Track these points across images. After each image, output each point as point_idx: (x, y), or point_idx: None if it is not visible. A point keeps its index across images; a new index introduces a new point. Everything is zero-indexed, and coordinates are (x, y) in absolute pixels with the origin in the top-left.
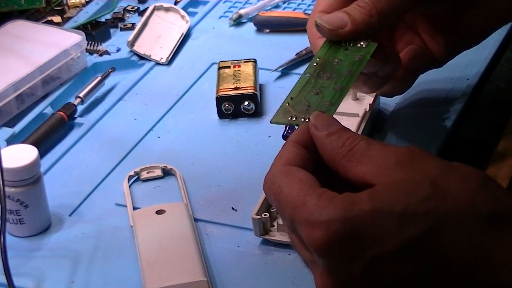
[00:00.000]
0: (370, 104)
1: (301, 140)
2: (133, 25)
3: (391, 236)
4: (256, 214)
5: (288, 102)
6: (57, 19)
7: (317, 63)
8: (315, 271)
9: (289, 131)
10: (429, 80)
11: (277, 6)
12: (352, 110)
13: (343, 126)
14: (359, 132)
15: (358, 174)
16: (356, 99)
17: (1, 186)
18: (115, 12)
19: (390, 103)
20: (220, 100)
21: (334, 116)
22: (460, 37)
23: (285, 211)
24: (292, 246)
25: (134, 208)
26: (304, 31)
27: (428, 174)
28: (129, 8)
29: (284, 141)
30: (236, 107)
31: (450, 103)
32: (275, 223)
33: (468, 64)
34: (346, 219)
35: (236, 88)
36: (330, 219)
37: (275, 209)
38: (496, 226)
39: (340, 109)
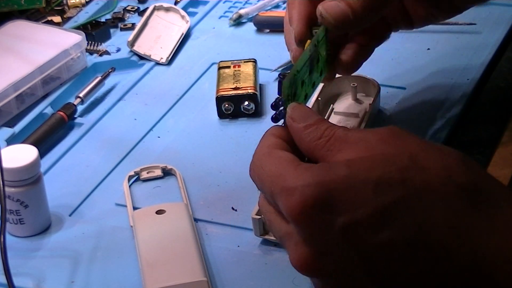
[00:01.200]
0: (370, 104)
1: (279, 134)
2: (133, 25)
3: (366, 202)
4: (256, 214)
5: (295, 74)
6: (57, 19)
7: (316, 45)
8: (290, 244)
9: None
10: (429, 80)
11: (277, 6)
12: (352, 110)
13: (321, 117)
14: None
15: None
16: (356, 99)
17: (1, 186)
18: (115, 12)
19: (390, 103)
20: (220, 100)
21: (334, 116)
22: (439, 10)
23: (265, 185)
24: (268, 225)
25: (134, 208)
26: None
27: (407, 149)
28: (129, 8)
29: (273, 123)
30: (236, 107)
31: (450, 103)
32: None
33: (468, 64)
34: (321, 183)
35: (236, 88)
36: (305, 184)
37: None
38: (473, 197)
39: (340, 109)
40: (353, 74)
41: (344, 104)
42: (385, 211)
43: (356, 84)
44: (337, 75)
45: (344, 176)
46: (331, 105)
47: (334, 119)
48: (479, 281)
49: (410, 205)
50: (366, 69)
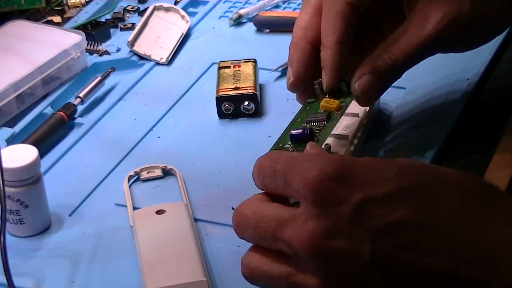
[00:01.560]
0: None
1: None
2: (133, 25)
3: (386, 182)
4: None
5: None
6: (57, 19)
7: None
8: (296, 224)
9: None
10: (429, 80)
11: (277, 6)
12: (352, 110)
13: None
14: (359, 133)
15: None
16: None
17: (1, 186)
18: (115, 12)
19: (390, 103)
20: (220, 100)
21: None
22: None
23: (279, 167)
24: (258, 213)
25: (134, 208)
26: None
27: (424, 163)
28: (129, 8)
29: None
30: (236, 107)
31: (450, 103)
32: None
33: (468, 64)
34: (343, 160)
35: (236, 88)
36: (327, 160)
37: None
38: (489, 196)
39: None
40: None
41: None
42: (403, 192)
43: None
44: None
45: (367, 159)
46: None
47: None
48: (487, 272)
49: (429, 191)
50: None
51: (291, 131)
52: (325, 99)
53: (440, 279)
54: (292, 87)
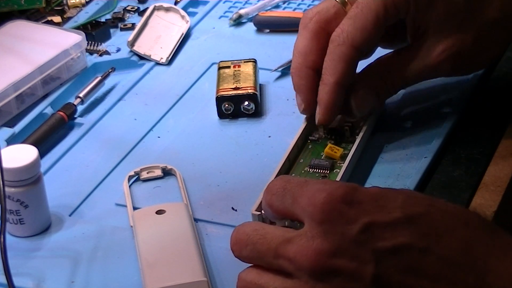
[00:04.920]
0: None
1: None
2: (133, 25)
3: (395, 208)
4: (256, 210)
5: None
6: (57, 19)
7: None
8: (301, 240)
9: None
10: (429, 80)
11: (277, 6)
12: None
13: None
14: (361, 132)
15: None
16: None
17: (1, 186)
18: (115, 12)
19: (390, 103)
20: (220, 100)
21: None
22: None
23: (290, 186)
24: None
25: (134, 208)
26: None
27: (429, 196)
28: (129, 8)
29: None
30: (236, 107)
31: (450, 103)
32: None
33: None
34: (353, 186)
35: (236, 88)
36: (338, 185)
37: None
38: (491, 231)
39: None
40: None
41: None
42: (409, 220)
43: None
44: None
45: (375, 188)
46: None
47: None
48: None
49: (433, 221)
50: None
51: None
52: (329, 145)
53: None
54: (305, 112)
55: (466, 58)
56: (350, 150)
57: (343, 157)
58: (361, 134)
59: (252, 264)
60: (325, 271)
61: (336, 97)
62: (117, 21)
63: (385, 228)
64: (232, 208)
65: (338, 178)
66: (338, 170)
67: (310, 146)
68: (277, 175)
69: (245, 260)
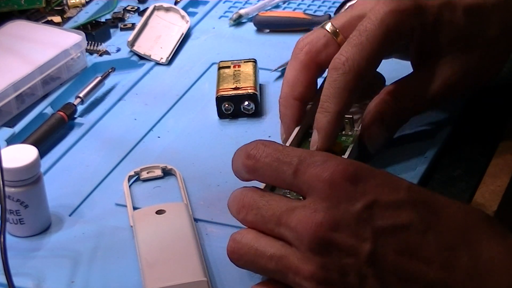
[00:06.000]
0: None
1: None
2: (133, 25)
3: (400, 190)
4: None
5: None
6: (57, 19)
7: None
8: (304, 211)
9: None
10: None
11: (277, 6)
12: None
13: None
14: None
15: None
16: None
17: (1, 186)
18: (115, 12)
19: None
20: (220, 100)
21: None
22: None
23: (288, 159)
24: (261, 199)
25: (134, 208)
26: (304, 31)
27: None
28: (129, 8)
29: None
30: (236, 107)
31: (450, 103)
32: None
33: None
34: (360, 165)
35: (236, 88)
36: (345, 163)
37: None
38: (489, 222)
39: None
40: None
41: None
42: (412, 202)
43: None
44: None
45: (382, 170)
46: None
47: None
48: (479, 286)
49: (435, 208)
50: None
51: None
52: None
53: (431, 286)
54: (285, 143)
55: (474, 78)
56: (350, 144)
57: (342, 151)
58: (360, 127)
59: (247, 227)
60: (323, 243)
61: (338, 125)
62: (117, 21)
63: (387, 207)
64: None
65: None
66: None
67: (309, 139)
68: None
69: (247, 224)
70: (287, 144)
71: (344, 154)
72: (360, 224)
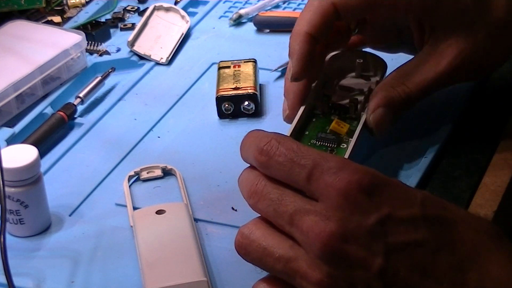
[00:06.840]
0: (377, 81)
1: None
2: (133, 25)
3: (414, 205)
4: None
5: None
6: (57, 19)
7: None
8: (316, 219)
9: None
10: None
11: (277, 6)
12: (358, 86)
13: None
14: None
15: None
16: (362, 75)
17: (1, 186)
18: (115, 12)
19: None
20: (220, 100)
21: (339, 91)
22: None
23: (303, 161)
24: (277, 200)
25: (134, 208)
26: None
27: (444, 200)
28: (129, 8)
29: None
30: (236, 107)
31: (450, 103)
32: None
33: None
34: (375, 175)
35: (236, 88)
36: (360, 172)
37: None
38: (499, 239)
39: (345, 84)
40: (359, 50)
41: (350, 80)
42: (426, 218)
43: (362, 60)
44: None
45: (396, 180)
46: (336, 79)
47: (338, 94)
48: None
49: (448, 224)
50: None
51: None
52: (336, 120)
53: None
54: (288, 120)
55: (480, 60)
56: (356, 127)
57: (349, 133)
58: (366, 111)
59: (255, 220)
60: (333, 254)
61: (307, 48)
62: (117, 21)
63: (401, 223)
64: (232, 208)
65: (346, 155)
66: (345, 145)
67: (314, 120)
68: None
69: (257, 211)
70: (292, 126)
71: (351, 137)
72: (373, 238)
